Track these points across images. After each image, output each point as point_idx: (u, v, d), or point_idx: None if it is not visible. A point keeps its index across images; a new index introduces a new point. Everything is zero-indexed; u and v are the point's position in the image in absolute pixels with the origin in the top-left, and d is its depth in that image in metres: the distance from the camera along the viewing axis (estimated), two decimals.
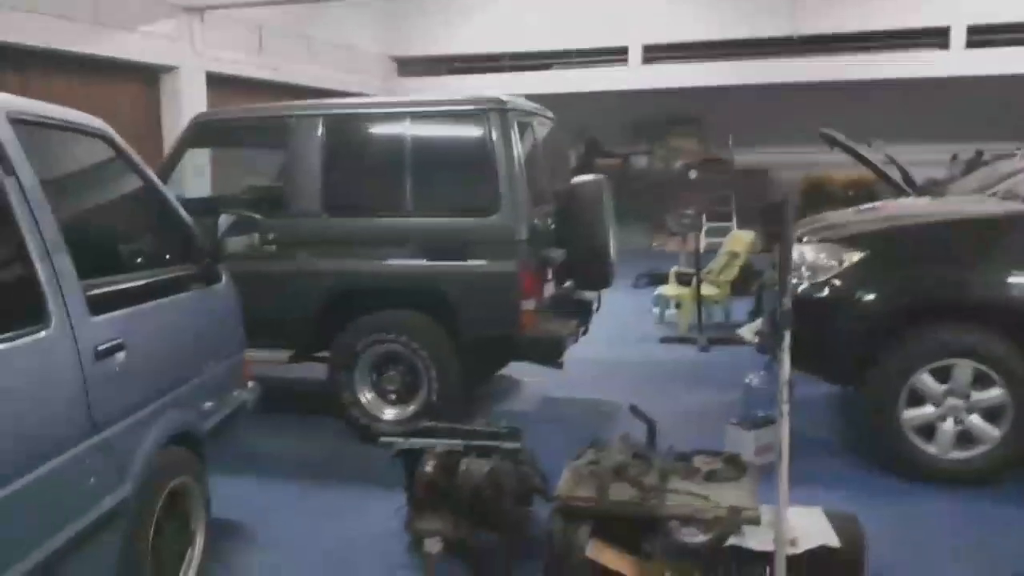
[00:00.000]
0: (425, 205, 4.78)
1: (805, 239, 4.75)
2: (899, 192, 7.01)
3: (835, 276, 4.35)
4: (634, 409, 3.74)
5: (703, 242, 12.12)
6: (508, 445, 3.48)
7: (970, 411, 4.07)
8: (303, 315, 4.93)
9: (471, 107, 4.76)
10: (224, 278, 3.60)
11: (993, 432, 4.03)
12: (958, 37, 11.80)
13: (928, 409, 4.13)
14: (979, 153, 12.65)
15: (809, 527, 3.19)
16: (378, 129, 5.14)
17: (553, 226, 5.10)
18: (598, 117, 13.94)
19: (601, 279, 5.38)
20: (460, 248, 4.68)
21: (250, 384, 3.85)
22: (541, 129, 5.40)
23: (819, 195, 14.12)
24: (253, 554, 3.58)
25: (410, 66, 14.16)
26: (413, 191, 4.78)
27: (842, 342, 4.27)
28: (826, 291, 4.36)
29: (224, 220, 3.47)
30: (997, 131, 12.63)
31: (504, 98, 4.76)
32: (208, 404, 3.33)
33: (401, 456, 3.59)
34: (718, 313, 8.13)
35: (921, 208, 5.13)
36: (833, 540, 3.11)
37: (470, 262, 4.66)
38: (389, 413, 4.89)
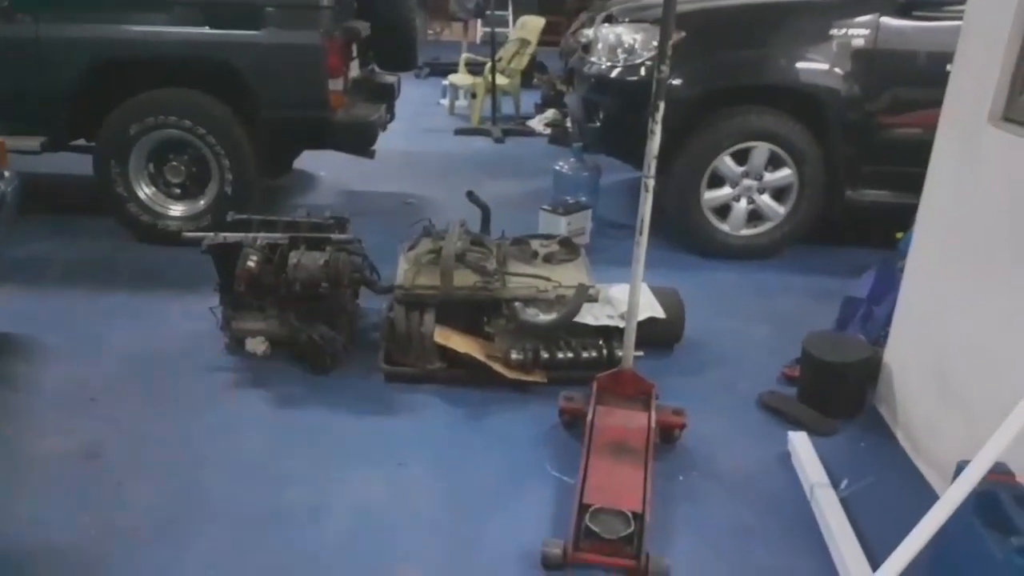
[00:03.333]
0: None
1: (621, 20, 4.66)
2: None
3: (650, 59, 4.34)
4: (470, 195, 3.59)
5: (479, 31, 11.81)
6: (339, 236, 3.20)
7: (762, 191, 4.39)
8: (53, 93, 4.09)
9: None
10: None
11: (779, 210, 4.41)
12: None
13: (726, 190, 4.40)
14: None
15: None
16: None
17: None
18: None
19: (406, 59, 4.97)
20: (252, 14, 4.01)
21: (6, 173, 3.16)
22: None
23: None
24: (40, 367, 3.10)
25: None
26: None
27: None
28: (641, 74, 4.36)
29: None
30: None
31: None
32: None
33: (212, 252, 3.19)
34: (508, 104, 8.02)
35: None
36: (659, 312, 3.30)
37: (265, 31, 4.03)
38: (176, 208, 4.33)
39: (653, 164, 2.44)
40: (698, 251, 4.49)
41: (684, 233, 4.51)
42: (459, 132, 7.37)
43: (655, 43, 4.30)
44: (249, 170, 4.24)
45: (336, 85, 4.13)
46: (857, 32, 4.13)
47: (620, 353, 2.90)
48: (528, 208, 4.74)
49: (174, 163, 4.26)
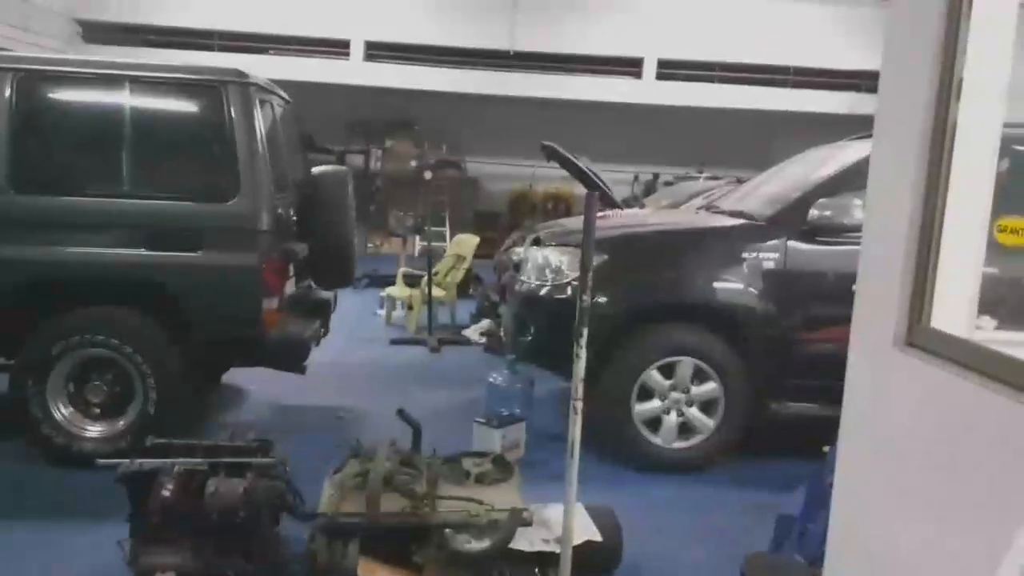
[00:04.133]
0: (146, 186, 4.14)
1: (548, 243, 4.92)
2: (610, 206, 7.61)
3: (576, 279, 4.54)
4: (400, 412, 3.55)
5: (417, 246, 12.29)
6: (262, 460, 3.09)
7: (690, 404, 4.48)
8: None
9: (207, 76, 4.18)
10: None
11: (708, 423, 4.48)
12: (650, 69, 13.19)
13: (655, 403, 4.47)
14: (655, 176, 14.36)
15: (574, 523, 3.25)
16: (87, 94, 4.28)
17: (295, 218, 4.71)
18: (314, 111, 13.37)
19: (343, 277, 5.08)
20: (190, 237, 4.10)
21: None
22: (279, 111, 4.97)
23: (523, 205, 15.06)
24: None
25: (99, 32, 12.44)
26: (131, 169, 4.11)
27: None
28: (568, 293, 4.55)
29: None
30: (669, 157, 14.43)
31: (244, 71, 4.28)
32: None
33: (124, 480, 3.03)
34: (444, 314, 8.19)
35: (646, 219, 5.57)
36: (596, 535, 3.21)
37: (202, 253, 4.11)
38: (93, 429, 4.15)
39: (580, 386, 2.48)
40: (632, 464, 4.46)
41: (617, 447, 4.51)
42: (395, 342, 7.44)
43: (578, 264, 4.55)
44: (175, 388, 4.14)
45: (270, 304, 4.18)
46: (768, 255, 4.44)
47: None
48: (462, 420, 4.70)
49: (96, 382, 4.14)
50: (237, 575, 2.86)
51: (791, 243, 4.43)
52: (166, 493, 2.86)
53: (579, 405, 2.47)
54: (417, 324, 7.73)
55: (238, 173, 4.10)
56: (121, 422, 4.15)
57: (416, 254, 11.99)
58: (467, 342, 7.58)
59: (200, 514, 2.90)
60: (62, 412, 4.12)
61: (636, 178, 14.48)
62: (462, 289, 8.65)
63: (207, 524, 2.91)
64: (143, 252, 4.09)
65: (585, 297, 2.48)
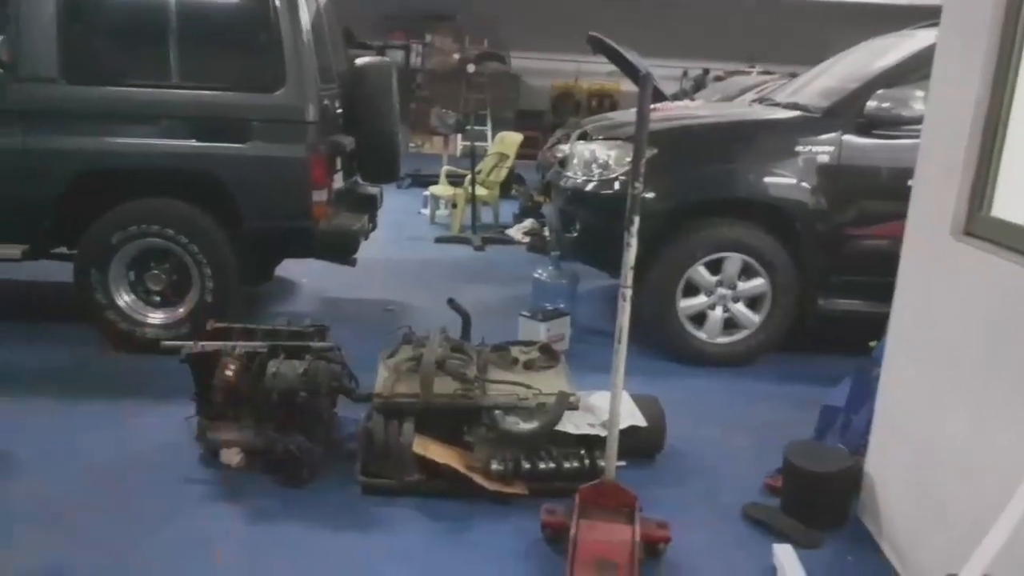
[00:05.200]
0: (194, 76, 4.14)
1: (596, 137, 4.85)
2: (658, 98, 7.41)
3: (623, 173, 4.50)
4: (451, 302, 3.63)
5: (459, 146, 12.19)
6: (319, 344, 3.20)
7: (736, 300, 4.48)
8: (37, 202, 4.14)
9: None
10: None
11: (754, 318, 4.49)
12: None
13: (701, 299, 4.48)
14: (705, 71, 13.89)
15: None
16: None
17: (340, 111, 4.70)
18: (351, 2, 13.11)
19: (389, 172, 5.10)
20: (238, 128, 4.13)
21: None
22: (322, 1, 4.88)
23: (567, 103, 14.74)
24: (10, 481, 3.00)
25: None
26: (179, 58, 4.11)
27: None
28: (616, 187, 4.51)
29: None
30: (720, 52, 13.92)
31: None
32: None
33: (190, 361, 3.17)
34: (487, 214, 8.19)
35: (696, 112, 5.43)
36: (641, 420, 3.29)
37: (250, 144, 4.14)
38: (155, 316, 4.31)
39: (630, 275, 2.50)
40: (676, 358, 4.52)
41: (661, 341, 4.56)
42: (439, 240, 7.50)
43: (628, 159, 4.49)
44: (230, 278, 4.26)
45: (320, 196, 4.22)
46: (822, 149, 4.33)
47: (602, 463, 2.88)
48: (508, 315, 4.78)
49: (155, 271, 4.27)
50: (298, 451, 3.01)
51: (846, 136, 4.31)
52: (228, 374, 3.00)
53: (628, 293, 2.49)
54: (461, 223, 7.76)
55: (284, 63, 4.09)
56: (181, 309, 4.30)
57: (458, 153, 11.91)
58: (510, 241, 7.61)
59: (261, 394, 3.04)
60: (125, 299, 4.28)
61: (685, 73, 14.02)
62: (505, 188, 8.61)
63: (268, 403, 3.05)
64: (193, 143, 4.14)
65: (637, 184, 2.46)
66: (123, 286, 4.27)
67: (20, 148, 4.09)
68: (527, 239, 7.54)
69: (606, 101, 14.46)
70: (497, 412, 3.03)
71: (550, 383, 3.21)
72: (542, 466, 2.99)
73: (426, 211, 8.58)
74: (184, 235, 4.18)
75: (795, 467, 2.97)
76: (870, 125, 4.27)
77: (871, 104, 4.21)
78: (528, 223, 7.90)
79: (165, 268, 4.28)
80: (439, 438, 3.08)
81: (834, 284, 4.46)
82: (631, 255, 2.48)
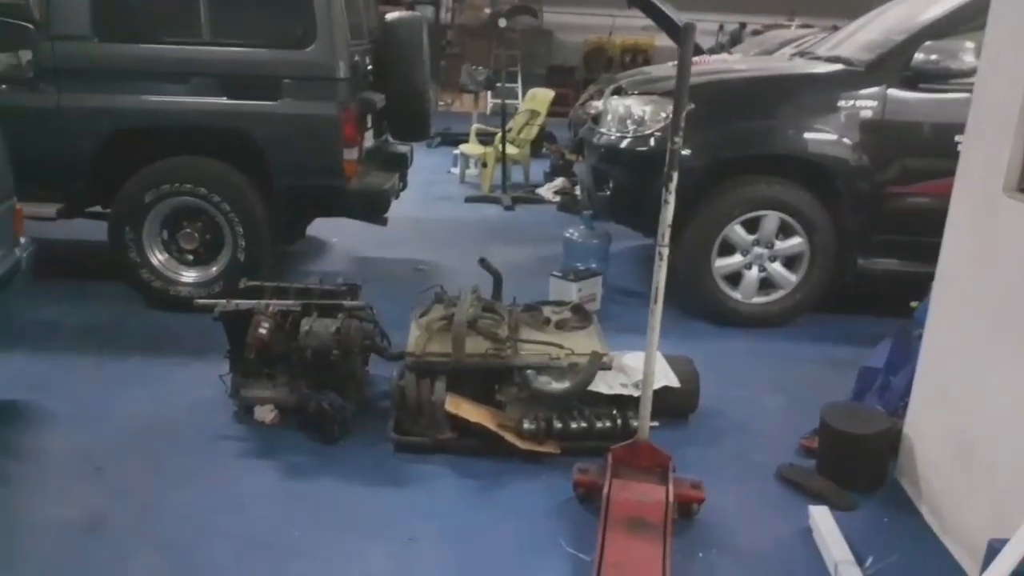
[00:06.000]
0: (224, 32, 4.11)
1: (630, 92, 4.74)
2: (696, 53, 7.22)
3: (660, 129, 4.40)
4: (483, 262, 3.59)
5: (489, 103, 12.04)
6: (352, 303, 3.19)
7: (772, 259, 4.39)
8: (70, 161, 4.16)
9: None
10: None
11: (791, 278, 4.40)
12: None
13: (737, 258, 4.40)
14: (742, 25, 13.53)
15: None
16: None
17: (370, 67, 4.64)
18: None
19: (420, 129, 5.04)
20: (269, 85, 4.10)
21: (23, 239, 3.18)
22: None
23: (600, 59, 14.47)
24: (47, 435, 3.06)
25: None
26: (209, 15, 4.07)
27: None
28: (652, 144, 4.42)
29: None
30: (756, 5, 13.53)
31: None
32: None
33: (223, 319, 3.19)
34: (518, 173, 8.11)
35: (734, 66, 5.28)
36: (674, 381, 3.25)
37: (281, 102, 4.11)
38: (188, 275, 4.33)
39: (667, 233, 2.44)
40: (710, 319, 4.46)
41: (696, 301, 4.49)
42: (470, 200, 7.45)
43: (664, 114, 4.39)
44: (262, 237, 4.27)
45: (351, 155, 4.19)
46: (865, 104, 4.18)
47: (635, 423, 2.86)
48: (539, 275, 4.74)
49: (188, 230, 4.29)
50: (331, 408, 3.02)
51: (891, 90, 4.16)
52: (262, 331, 3.01)
53: (664, 252, 2.43)
54: (491, 182, 7.69)
55: (315, 19, 4.03)
56: (214, 268, 4.32)
57: (488, 111, 11.78)
58: (541, 201, 7.54)
59: (295, 352, 3.05)
60: (158, 257, 4.31)
61: (721, 27, 13.69)
62: (536, 147, 8.51)
63: (302, 361, 3.06)
64: (224, 100, 4.12)
65: (676, 140, 2.39)
66: (156, 245, 4.30)
67: (55, 107, 4.10)
68: (558, 198, 7.46)
69: (639, 56, 14.20)
70: (529, 372, 3.01)
71: (582, 343, 3.18)
72: (574, 426, 2.98)
73: (456, 170, 8.52)
74: (216, 194, 4.18)
75: (832, 428, 2.92)
76: (916, 78, 4.11)
77: (918, 56, 4.05)
78: (559, 182, 7.80)
79: (198, 227, 4.29)
80: (471, 397, 3.08)
81: (874, 243, 4.35)
82: (668, 213, 2.42)
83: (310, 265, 5.35)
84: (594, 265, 4.74)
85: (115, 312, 4.28)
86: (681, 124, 2.38)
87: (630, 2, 7.08)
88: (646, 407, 2.65)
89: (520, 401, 3.04)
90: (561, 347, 3.11)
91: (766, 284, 4.43)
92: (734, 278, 4.43)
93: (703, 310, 4.47)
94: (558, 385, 3.00)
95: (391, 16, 4.85)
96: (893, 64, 4.16)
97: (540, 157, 8.82)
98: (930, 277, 2.89)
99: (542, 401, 2.99)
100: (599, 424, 2.99)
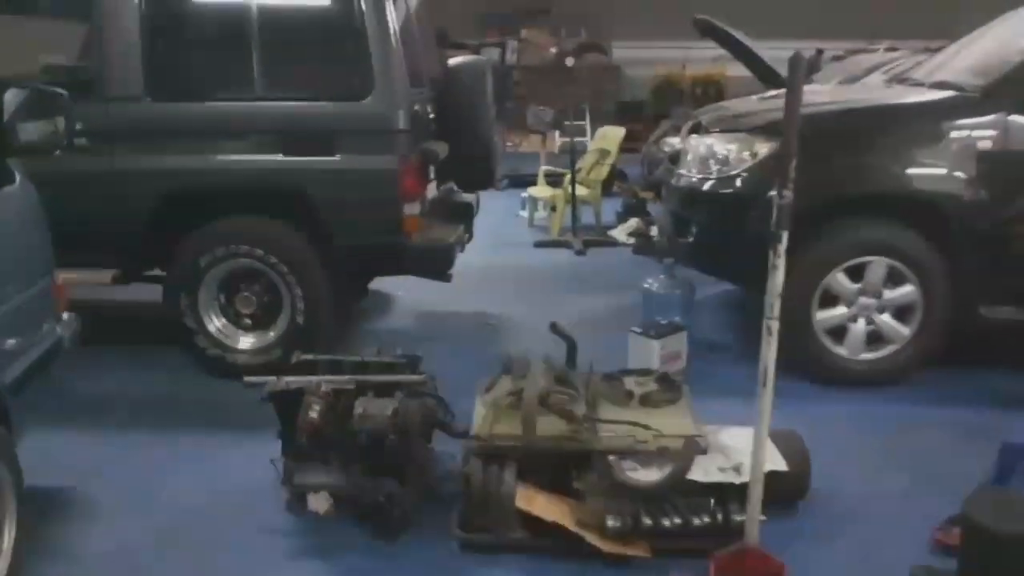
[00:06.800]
0: (279, 87, 3.92)
1: (712, 130, 4.37)
2: (777, 85, 6.78)
3: (747, 169, 4.01)
4: (554, 327, 3.24)
5: (557, 143, 11.80)
6: (410, 378, 2.89)
7: (881, 310, 3.91)
8: (125, 225, 4.01)
9: None
10: (18, 178, 2.70)
11: (903, 331, 3.91)
12: None
13: (841, 310, 3.94)
14: (819, 51, 12.95)
15: None
16: None
17: (432, 115, 4.40)
18: (445, 3, 12.93)
19: (485, 178, 4.77)
20: (325, 140, 3.89)
21: (65, 315, 3.00)
22: (412, 2, 4.59)
23: (670, 92, 14.08)
24: (86, 526, 2.83)
25: None
26: (263, 69, 3.88)
27: (756, 241, 3.95)
28: (738, 185, 4.02)
29: (13, 97, 2.52)
30: (834, 29, 12.95)
31: None
32: (8, 346, 2.50)
33: (271, 399, 2.92)
34: (589, 214, 7.77)
35: (828, 96, 4.84)
36: (781, 464, 2.81)
37: (339, 157, 3.89)
38: (245, 341, 4.12)
39: (777, 304, 2.06)
40: (811, 379, 3.98)
41: (795, 358, 4.01)
42: (539, 244, 7.13)
43: (748, 153, 4.01)
44: (322, 299, 4.03)
45: (412, 209, 3.93)
46: (982, 133, 3.71)
47: (738, 517, 2.46)
48: (615, 328, 4.37)
49: (245, 293, 4.08)
50: (388, 502, 2.70)
51: (1012, 117, 3.67)
52: (313, 414, 2.72)
53: (774, 325, 2.05)
54: (561, 225, 7.37)
55: (372, 69, 3.81)
56: (272, 333, 4.09)
57: (557, 151, 11.52)
58: (614, 243, 7.17)
59: (349, 435, 2.75)
60: (215, 323, 4.11)
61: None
62: (606, 187, 8.17)
63: (357, 445, 2.76)
64: (280, 158, 3.91)
65: (786, 192, 2.02)
66: (213, 310, 4.10)
67: (109, 170, 3.97)
68: (632, 240, 7.06)
69: (711, 88, 13.73)
70: (612, 458, 2.63)
71: (672, 422, 2.78)
72: (666, 523, 2.57)
73: (524, 213, 8.25)
74: (273, 255, 3.96)
75: (978, 525, 2.44)
76: None
77: None
78: (632, 223, 7.42)
79: (255, 290, 4.09)
80: (544, 484, 2.71)
81: (998, 288, 3.83)
82: (778, 279, 2.04)
83: (374, 323, 5.10)
84: (677, 319, 4.33)
85: (171, 382, 4.09)
86: (791, 172, 2.00)
87: (702, 32, 6.75)
88: (755, 506, 2.24)
89: (602, 491, 2.66)
90: (648, 427, 2.72)
91: (875, 338, 3.95)
92: (838, 332, 3.96)
93: (804, 369, 3.98)
94: (647, 476, 2.61)
95: (454, 61, 4.61)
96: (1013, 88, 3.69)
97: (611, 196, 8.47)
98: None
99: (628, 492, 2.60)
100: (696, 520, 2.57)
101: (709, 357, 4.35)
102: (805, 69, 2.11)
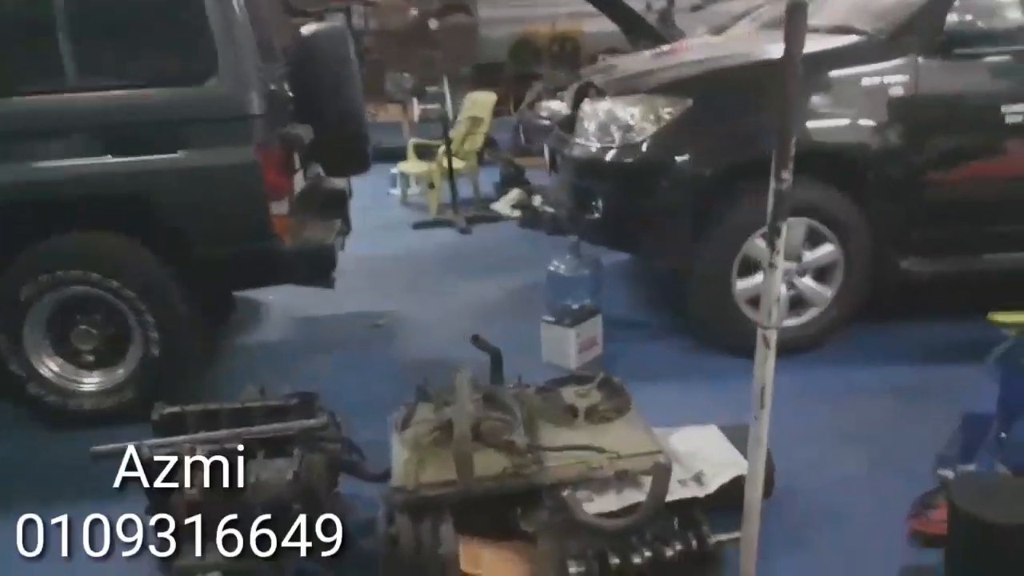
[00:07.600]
0: (97, 73, 3.19)
1: (608, 93, 3.99)
2: (648, 38, 6.50)
3: (653, 135, 3.66)
4: (476, 339, 2.79)
5: (416, 110, 11.20)
6: (308, 423, 2.36)
7: (802, 273, 3.71)
8: None
9: None
10: None
11: (824, 292, 3.72)
12: None
13: (759, 277, 3.68)
14: (670, 2, 12.91)
15: (713, 454, 2.57)
16: None
17: (290, 94, 3.77)
18: None
19: (359, 160, 4.18)
20: (164, 134, 3.21)
21: None
22: None
23: (527, 52, 13.68)
24: None
25: None
26: (74, 52, 3.14)
27: (670, 214, 3.65)
28: (645, 153, 3.67)
29: None
30: None
31: None
32: None
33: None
34: (465, 187, 7.28)
35: (727, 50, 4.53)
36: (743, 465, 2.49)
37: (182, 153, 3.22)
38: (90, 382, 3.42)
39: (775, 310, 1.71)
40: (735, 351, 3.72)
41: (716, 331, 3.77)
42: (418, 226, 6.59)
43: (654, 116, 3.66)
44: (179, 324, 3.38)
45: (280, 208, 3.33)
46: (892, 79, 3.52)
47: (713, 539, 2.15)
48: (521, 315, 4.02)
49: (83, 326, 3.37)
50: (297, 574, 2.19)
51: (923, 60, 3.50)
52: (192, 489, 2.15)
53: (772, 336, 1.70)
54: (439, 202, 6.86)
55: (213, 43, 3.15)
56: (121, 370, 3.41)
57: (416, 119, 10.92)
58: (498, 218, 6.73)
59: (241, 508, 2.20)
60: (49, 366, 3.38)
61: (648, 6, 13.03)
62: (479, 156, 7.69)
63: (252, 517, 2.22)
64: (108, 159, 3.20)
65: (784, 175, 1.65)
66: (44, 350, 3.37)
67: None
68: (517, 213, 6.66)
69: (568, 45, 13.45)
70: (566, 493, 2.22)
71: (626, 438, 2.41)
72: (636, 559, 2.19)
73: (396, 191, 7.67)
74: (114, 278, 3.27)
75: (967, 514, 2.22)
76: (951, 44, 3.47)
77: (951, 18, 3.42)
78: (514, 194, 7.00)
79: (95, 321, 3.38)
80: (483, 528, 2.29)
81: (916, 241, 3.71)
82: (775, 282, 1.69)
83: (243, 336, 4.46)
84: (587, 301, 3.97)
85: (4, 444, 3.34)
86: (791, 153, 1.64)
87: None
88: (750, 550, 1.89)
89: (555, 529, 2.26)
90: (601, 450, 2.33)
91: (797, 303, 3.75)
92: (758, 301, 3.71)
93: (726, 342, 3.72)
94: (602, 503, 2.23)
95: (308, 29, 3.97)
96: (922, 29, 3.51)
97: (484, 166, 8.01)
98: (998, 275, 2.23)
99: (589, 529, 2.21)
100: (668, 550, 2.22)
101: (621, 335, 4.03)
102: (806, 19, 1.73)
